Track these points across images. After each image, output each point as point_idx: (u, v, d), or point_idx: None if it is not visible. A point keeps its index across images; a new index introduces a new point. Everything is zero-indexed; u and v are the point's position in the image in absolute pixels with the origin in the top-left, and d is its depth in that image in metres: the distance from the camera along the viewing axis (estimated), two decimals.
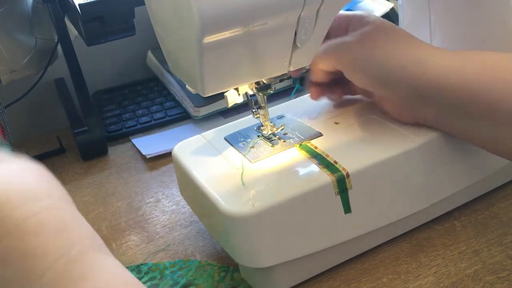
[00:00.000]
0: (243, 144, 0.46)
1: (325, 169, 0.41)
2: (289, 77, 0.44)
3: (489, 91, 0.38)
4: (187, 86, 0.42)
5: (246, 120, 0.50)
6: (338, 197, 0.41)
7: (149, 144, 0.68)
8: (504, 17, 0.47)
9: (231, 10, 0.33)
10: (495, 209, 0.49)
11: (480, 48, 0.47)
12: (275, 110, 0.51)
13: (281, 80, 0.43)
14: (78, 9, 0.54)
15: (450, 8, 0.48)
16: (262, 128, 0.47)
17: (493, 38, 0.48)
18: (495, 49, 0.40)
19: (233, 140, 0.47)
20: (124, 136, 0.70)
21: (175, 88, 0.74)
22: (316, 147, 0.44)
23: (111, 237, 0.51)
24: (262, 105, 0.45)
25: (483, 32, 0.48)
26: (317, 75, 0.48)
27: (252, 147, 0.46)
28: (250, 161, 0.43)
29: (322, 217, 0.41)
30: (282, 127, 0.47)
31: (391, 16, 0.76)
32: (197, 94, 0.41)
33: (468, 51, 0.42)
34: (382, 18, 0.45)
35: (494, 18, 0.47)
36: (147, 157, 0.64)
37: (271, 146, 0.45)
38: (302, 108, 0.51)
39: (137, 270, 0.46)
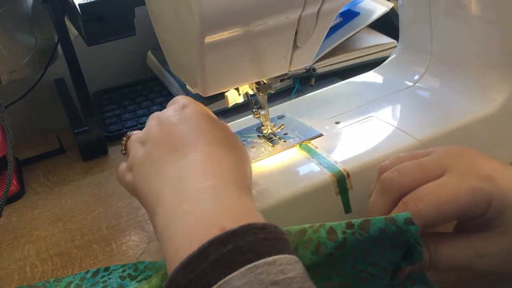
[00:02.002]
0: (244, 144, 0.46)
1: (325, 169, 0.41)
2: (289, 77, 0.44)
3: None
4: (187, 86, 0.42)
5: (246, 120, 0.50)
6: (339, 197, 0.41)
7: None
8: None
9: (231, 10, 0.33)
10: None
11: (480, 48, 0.47)
12: (275, 110, 0.51)
13: (281, 80, 0.43)
14: (78, 9, 0.54)
15: (451, 8, 0.48)
16: (262, 128, 0.47)
17: (493, 39, 0.48)
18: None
19: None
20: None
21: (175, 88, 0.74)
22: (316, 147, 0.44)
23: (111, 237, 0.51)
24: (263, 105, 0.45)
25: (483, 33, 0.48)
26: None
27: (253, 147, 0.46)
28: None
29: (322, 217, 0.41)
30: (282, 127, 0.47)
31: (391, 16, 0.76)
32: (198, 94, 0.41)
33: None
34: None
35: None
36: None
37: (271, 146, 0.45)
38: (302, 108, 0.51)
39: (133, 268, 0.46)
